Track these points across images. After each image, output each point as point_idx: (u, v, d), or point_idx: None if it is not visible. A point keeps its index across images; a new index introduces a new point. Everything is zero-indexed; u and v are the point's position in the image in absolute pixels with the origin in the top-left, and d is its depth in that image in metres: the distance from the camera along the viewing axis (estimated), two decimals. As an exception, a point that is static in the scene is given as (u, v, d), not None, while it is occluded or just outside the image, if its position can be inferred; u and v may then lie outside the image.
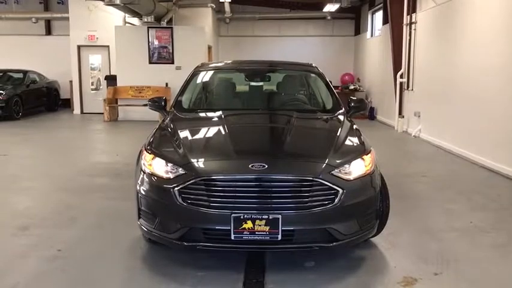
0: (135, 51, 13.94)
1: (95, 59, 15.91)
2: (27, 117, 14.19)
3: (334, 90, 5.08)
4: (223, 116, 4.37)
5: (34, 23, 16.93)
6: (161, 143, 3.99)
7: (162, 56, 14.04)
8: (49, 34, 17.65)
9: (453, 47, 8.94)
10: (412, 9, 11.03)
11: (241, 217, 3.29)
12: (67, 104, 16.59)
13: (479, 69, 7.84)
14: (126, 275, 3.67)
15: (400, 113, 11.80)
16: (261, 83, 5.51)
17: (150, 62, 14.06)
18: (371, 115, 14.50)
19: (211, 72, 5.63)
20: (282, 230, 3.31)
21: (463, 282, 3.56)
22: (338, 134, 4.01)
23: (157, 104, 4.94)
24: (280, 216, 3.29)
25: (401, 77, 11.61)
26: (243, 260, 3.83)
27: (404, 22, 11.31)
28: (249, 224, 3.29)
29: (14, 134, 11.35)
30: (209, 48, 15.19)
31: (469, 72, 8.21)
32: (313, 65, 5.64)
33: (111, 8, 13.06)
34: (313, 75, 5.49)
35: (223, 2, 15.19)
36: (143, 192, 3.64)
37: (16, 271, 3.67)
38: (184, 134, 4.04)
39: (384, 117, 13.61)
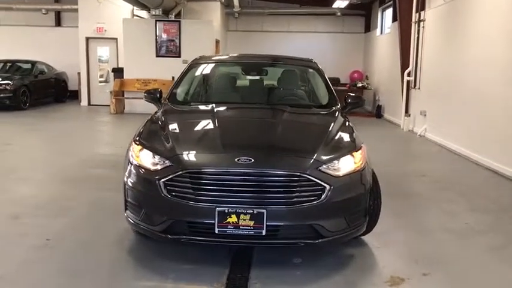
0: (143, 44, 13.93)
1: (104, 52, 15.95)
2: (34, 108, 14.25)
3: (332, 86, 5.00)
4: (215, 109, 4.32)
5: (44, 14, 17.05)
6: (150, 134, 3.95)
7: (169, 49, 14.02)
8: (59, 25, 17.73)
9: (461, 45, 8.80)
10: (421, 6, 10.89)
11: (226, 211, 3.25)
12: (75, 95, 16.67)
13: (486, 69, 7.69)
14: (110, 267, 3.64)
15: (406, 111, 11.67)
16: (257, 77, 5.46)
17: (157, 55, 14.04)
18: (378, 113, 14.35)
19: (208, 65, 5.59)
20: (267, 225, 3.26)
21: (451, 283, 3.50)
22: (329, 129, 3.94)
23: (153, 95, 4.91)
24: (265, 211, 3.25)
25: (408, 75, 11.48)
26: (231, 254, 3.80)
27: (413, 20, 11.16)
28: (234, 218, 3.25)
29: (20, 124, 11.43)
30: (217, 42, 15.14)
31: (476, 71, 8.07)
32: (313, 60, 5.57)
33: (119, 0, 13.06)
34: (311, 70, 5.42)
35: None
36: (130, 184, 3.62)
37: (2, 260, 3.67)
38: (173, 126, 4.00)
39: (391, 115, 13.47)
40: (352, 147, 3.72)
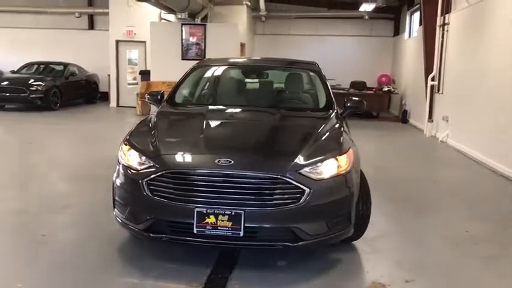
0: (169, 47, 14.15)
1: (133, 54, 16.30)
2: (64, 109, 14.66)
3: (330, 90, 4.97)
4: (207, 112, 4.39)
5: (77, 17, 17.58)
6: (139, 135, 4.04)
7: (194, 52, 14.22)
8: (92, 29, 18.21)
9: (483, 49, 8.55)
10: (446, 9, 10.65)
11: (205, 211, 3.29)
12: (106, 97, 17.08)
13: (508, 74, 7.43)
14: (98, 263, 3.72)
15: (430, 117, 11.42)
16: (255, 81, 5.48)
17: (183, 58, 14.22)
18: (404, 118, 14.07)
19: (210, 68, 5.65)
20: (245, 227, 3.28)
21: (432, 291, 3.43)
22: (316, 133, 3.93)
23: (155, 97, 5.03)
24: (243, 212, 3.27)
25: (432, 79, 11.24)
26: (217, 255, 3.83)
27: (438, 23, 10.93)
28: (212, 219, 3.30)
29: (48, 124, 11.84)
30: (242, 45, 15.23)
31: (498, 76, 7.82)
32: (316, 64, 5.55)
33: (148, 4, 13.32)
34: (312, 73, 5.40)
35: (258, 0, 15.22)
36: (118, 183, 3.73)
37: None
38: (163, 127, 4.10)
39: (415, 120, 13.21)
40: (337, 151, 3.68)
